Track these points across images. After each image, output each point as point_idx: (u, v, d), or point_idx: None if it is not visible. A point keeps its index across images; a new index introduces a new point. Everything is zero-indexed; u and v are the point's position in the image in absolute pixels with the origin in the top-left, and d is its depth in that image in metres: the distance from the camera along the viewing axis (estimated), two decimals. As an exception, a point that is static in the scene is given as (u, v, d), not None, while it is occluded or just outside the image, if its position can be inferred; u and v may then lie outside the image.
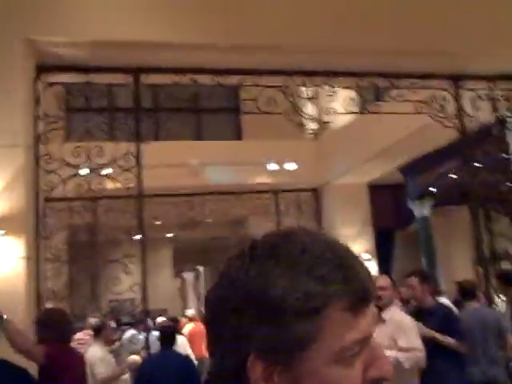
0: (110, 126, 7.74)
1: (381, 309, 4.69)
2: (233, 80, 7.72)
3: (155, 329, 8.20)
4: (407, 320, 4.83)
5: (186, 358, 5.76)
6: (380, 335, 4.34)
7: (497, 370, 5.59)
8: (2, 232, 5.22)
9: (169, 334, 5.52)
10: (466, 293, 6.52)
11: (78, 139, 7.59)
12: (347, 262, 0.80)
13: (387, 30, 7.25)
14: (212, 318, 0.84)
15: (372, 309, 0.82)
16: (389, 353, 4.28)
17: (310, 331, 0.76)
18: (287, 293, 0.76)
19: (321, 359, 0.77)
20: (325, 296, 0.77)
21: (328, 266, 0.78)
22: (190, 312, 12.76)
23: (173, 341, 5.42)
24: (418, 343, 4.52)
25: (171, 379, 5.13)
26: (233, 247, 16.54)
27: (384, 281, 4.99)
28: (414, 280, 5.41)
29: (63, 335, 4.43)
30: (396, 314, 4.80)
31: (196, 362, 10.86)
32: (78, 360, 4.66)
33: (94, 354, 6.32)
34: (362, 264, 0.82)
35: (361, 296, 0.79)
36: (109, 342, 7.23)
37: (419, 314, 5.38)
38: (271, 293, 0.77)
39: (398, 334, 4.49)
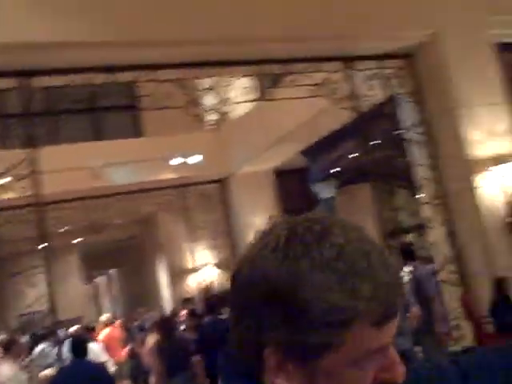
0: (0, 134, 7.39)
1: None
2: (127, 76, 7.57)
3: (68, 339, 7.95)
4: None
5: (99, 365, 5.63)
6: None
7: (403, 339, 5.79)
8: None
9: (79, 343, 5.35)
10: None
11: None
12: (379, 273, 0.78)
13: (277, 16, 7.32)
14: (238, 300, 0.82)
15: (396, 319, 0.82)
16: None
17: (332, 341, 0.77)
18: (315, 301, 0.75)
19: (338, 363, 0.78)
20: (353, 312, 0.76)
21: (360, 277, 0.77)
22: (105, 317, 12.47)
23: (84, 350, 5.26)
24: None
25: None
26: (146, 247, 16.35)
27: None
28: None
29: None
30: None
31: (115, 367, 10.70)
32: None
33: (4, 371, 6.04)
34: (393, 273, 0.81)
35: (388, 312, 0.79)
36: (19, 358, 6.94)
37: None
38: (300, 296, 0.76)
39: None
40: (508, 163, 8.24)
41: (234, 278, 0.84)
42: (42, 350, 9.44)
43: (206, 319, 6.62)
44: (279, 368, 0.79)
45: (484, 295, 7.91)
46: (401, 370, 0.82)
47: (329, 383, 0.79)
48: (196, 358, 6.00)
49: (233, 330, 0.84)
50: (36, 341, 10.33)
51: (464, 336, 8.00)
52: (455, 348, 7.72)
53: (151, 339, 7.77)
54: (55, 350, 6.73)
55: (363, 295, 0.76)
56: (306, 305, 0.75)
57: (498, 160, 8.28)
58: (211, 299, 7.20)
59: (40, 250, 6.38)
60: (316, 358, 0.77)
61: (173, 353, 6.07)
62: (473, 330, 7.87)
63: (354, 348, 0.77)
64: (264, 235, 0.85)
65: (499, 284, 7.72)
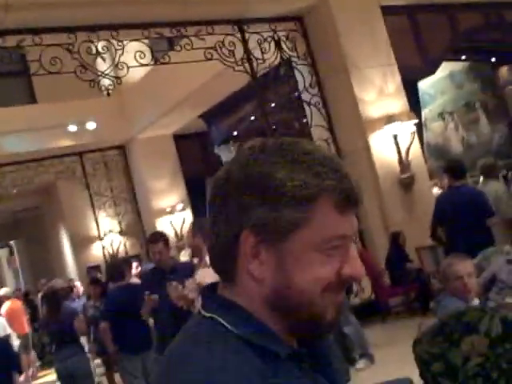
0: None
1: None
2: (12, 41, 7.25)
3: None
4: None
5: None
6: (207, 275, 4.46)
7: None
8: None
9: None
10: None
11: None
12: (342, 169, 0.90)
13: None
14: (218, 195, 0.92)
15: (355, 214, 0.92)
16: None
17: (301, 217, 0.87)
18: (287, 180, 0.87)
19: (305, 243, 0.87)
20: (319, 187, 0.87)
21: (325, 167, 0.88)
22: (5, 290, 12.13)
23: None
24: None
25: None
26: (47, 217, 15.92)
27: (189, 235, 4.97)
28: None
29: None
30: None
31: (18, 340, 10.48)
32: None
33: None
34: (352, 176, 0.91)
35: (349, 196, 0.89)
36: None
37: None
38: (274, 178, 0.87)
39: None
40: (399, 122, 8.59)
41: (213, 181, 0.94)
42: None
43: (111, 286, 6.56)
44: (253, 255, 0.88)
45: (381, 250, 8.30)
46: (361, 267, 0.93)
47: (296, 267, 0.87)
48: (103, 325, 5.98)
49: (213, 226, 0.92)
50: None
51: (363, 289, 8.40)
52: (355, 301, 8.08)
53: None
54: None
55: (328, 177, 0.88)
56: (279, 184, 0.86)
57: (390, 119, 8.62)
58: (116, 265, 7.18)
59: None
60: (286, 237, 0.87)
61: (61, 324, 6.03)
62: (371, 284, 8.28)
63: (319, 228, 0.87)
64: (237, 152, 0.98)
65: (394, 238, 8.13)
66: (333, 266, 0.89)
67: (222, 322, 0.88)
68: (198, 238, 4.62)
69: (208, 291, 0.96)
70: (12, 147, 11.82)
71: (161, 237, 5.32)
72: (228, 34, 8.31)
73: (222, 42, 8.28)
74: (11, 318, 10.76)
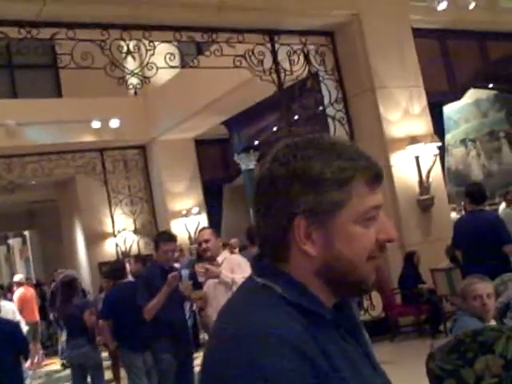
0: None
1: (210, 259, 4.82)
2: (45, 33, 7.34)
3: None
4: (239, 257, 5.18)
5: (6, 321, 5.58)
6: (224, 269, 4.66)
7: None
8: None
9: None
10: (253, 237, 7.11)
11: None
12: (365, 152, 1.06)
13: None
14: (266, 192, 1.05)
15: (381, 189, 1.08)
16: (230, 276, 4.58)
17: (342, 197, 1.02)
18: (325, 167, 1.01)
19: (347, 219, 1.02)
20: (353, 169, 1.03)
21: (353, 152, 1.05)
22: (18, 277, 12.22)
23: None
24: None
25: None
26: (63, 209, 16.01)
27: (207, 233, 5.05)
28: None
29: None
30: (228, 255, 5.00)
31: (27, 327, 10.55)
32: None
33: None
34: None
35: (377, 173, 1.06)
36: None
37: None
38: (314, 168, 1.01)
39: (234, 268, 4.70)
40: (422, 143, 8.58)
41: (258, 180, 1.08)
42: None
43: (118, 282, 6.59)
44: (306, 237, 1.02)
45: (395, 268, 8.27)
46: (393, 229, 1.08)
47: (343, 242, 1.03)
48: (101, 323, 6.01)
49: (263, 218, 1.06)
50: None
51: (374, 306, 8.38)
52: (365, 317, 8.06)
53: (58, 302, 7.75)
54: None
55: (358, 159, 1.04)
56: (320, 172, 1.01)
57: (414, 140, 8.61)
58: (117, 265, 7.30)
59: None
60: (332, 216, 1.02)
61: (72, 315, 6.09)
62: (382, 300, 8.25)
63: (357, 204, 1.02)
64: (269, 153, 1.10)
65: (409, 258, 8.11)
66: (371, 234, 1.04)
67: (276, 288, 1.02)
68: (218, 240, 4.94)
69: (260, 262, 1.09)
70: (35, 138, 11.94)
71: (175, 237, 5.45)
72: (258, 44, 8.36)
73: (252, 51, 8.32)
74: (23, 304, 10.87)
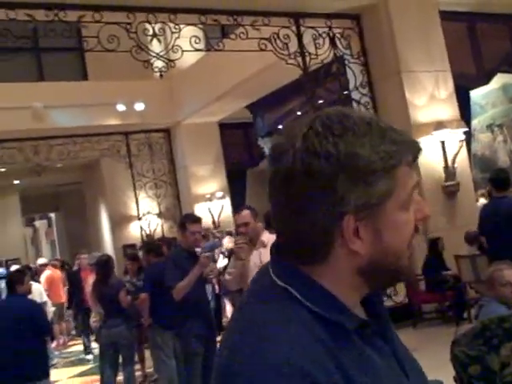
0: None
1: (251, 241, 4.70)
2: (72, 16, 7.38)
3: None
4: None
5: (30, 301, 5.69)
6: (265, 257, 4.43)
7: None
8: None
9: (13, 281, 5.41)
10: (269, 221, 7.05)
11: None
12: (401, 131, 0.95)
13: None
14: (298, 187, 0.91)
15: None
16: None
17: (390, 185, 0.91)
18: (373, 154, 0.90)
19: (395, 207, 0.93)
20: (400, 153, 0.92)
21: (391, 132, 0.93)
22: (43, 260, 12.42)
23: (16, 286, 5.34)
24: None
25: (9, 322, 5.10)
26: (88, 192, 16.18)
27: (246, 216, 4.69)
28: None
29: None
30: (271, 237, 4.77)
31: (53, 308, 10.73)
32: None
33: None
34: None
35: (416, 151, 0.96)
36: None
37: None
38: (360, 157, 0.89)
39: None
40: (448, 129, 8.48)
41: (287, 175, 0.92)
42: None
43: (152, 262, 6.66)
44: (355, 235, 0.92)
45: (420, 254, 8.22)
46: (427, 207, 1.00)
47: (391, 233, 0.94)
48: (142, 296, 6.13)
49: (296, 217, 0.93)
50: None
51: (397, 292, 8.35)
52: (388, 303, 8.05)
53: (90, 281, 7.87)
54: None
55: (401, 141, 0.93)
56: (367, 160, 0.89)
57: (440, 125, 8.52)
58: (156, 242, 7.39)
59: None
60: (381, 208, 0.92)
61: (109, 294, 6.21)
62: (405, 287, 8.22)
63: (403, 187, 0.93)
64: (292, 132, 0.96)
65: (433, 244, 8.05)
66: (411, 218, 0.96)
67: (297, 295, 0.92)
68: (257, 221, 4.74)
69: (282, 261, 0.97)
70: (61, 121, 12.03)
71: (201, 219, 5.46)
72: (284, 27, 8.31)
73: (277, 34, 8.28)
74: (50, 286, 11.06)
